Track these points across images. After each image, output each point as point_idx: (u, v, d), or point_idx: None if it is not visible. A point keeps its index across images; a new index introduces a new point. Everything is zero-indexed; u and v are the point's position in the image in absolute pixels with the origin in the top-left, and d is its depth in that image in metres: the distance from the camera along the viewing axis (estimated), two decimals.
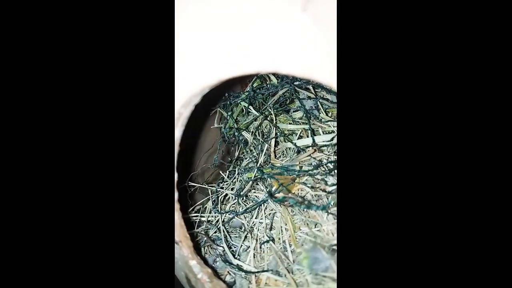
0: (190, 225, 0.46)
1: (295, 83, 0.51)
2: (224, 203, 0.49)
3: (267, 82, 0.54)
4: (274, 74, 0.54)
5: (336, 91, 0.54)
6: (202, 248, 0.42)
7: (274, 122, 0.50)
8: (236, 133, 0.52)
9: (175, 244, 0.33)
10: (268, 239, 0.41)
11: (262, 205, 0.45)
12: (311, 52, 0.20)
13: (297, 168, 0.44)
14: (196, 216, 0.46)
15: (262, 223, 0.44)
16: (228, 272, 0.38)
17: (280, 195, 0.43)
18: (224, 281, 0.34)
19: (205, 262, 0.34)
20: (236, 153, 0.55)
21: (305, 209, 0.40)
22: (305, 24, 0.19)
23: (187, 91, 0.24)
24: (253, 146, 0.54)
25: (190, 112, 0.27)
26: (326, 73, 0.20)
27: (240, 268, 0.38)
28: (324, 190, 0.41)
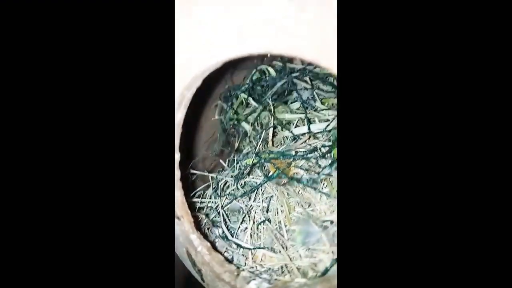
0: (192, 209, 0.48)
1: (293, 74, 0.54)
2: (224, 189, 0.52)
3: (266, 75, 0.57)
4: (272, 67, 0.57)
5: (328, 73, 0.56)
6: (202, 230, 0.45)
7: (273, 112, 0.52)
8: (236, 124, 0.54)
9: (177, 219, 0.36)
10: (264, 219, 0.44)
11: (260, 188, 0.48)
12: (301, 32, 0.22)
13: (293, 153, 0.46)
14: (197, 201, 0.49)
15: (259, 206, 0.47)
16: (226, 249, 0.41)
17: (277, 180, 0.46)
18: (223, 255, 0.36)
19: (205, 237, 0.36)
20: (236, 144, 0.57)
21: (296, 184, 0.42)
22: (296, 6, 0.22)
23: (188, 73, 0.27)
24: (253, 137, 0.56)
25: (192, 95, 0.30)
26: (314, 51, 0.22)
27: (237, 244, 0.40)
28: (317, 173, 0.43)
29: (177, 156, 0.34)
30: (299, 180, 0.42)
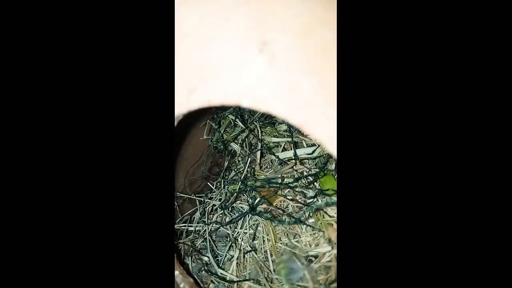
0: (178, 235, 0.48)
1: None
2: (212, 213, 0.52)
3: None
4: None
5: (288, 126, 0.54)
6: (189, 258, 0.45)
7: (260, 135, 0.52)
8: (222, 146, 0.54)
9: None
10: (250, 249, 0.43)
11: (246, 216, 0.47)
12: (269, 89, 0.22)
13: (279, 180, 0.46)
14: (184, 226, 0.49)
15: (246, 233, 0.46)
16: (211, 281, 0.41)
17: (264, 208, 0.45)
18: None
19: (188, 272, 0.36)
20: (226, 164, 0.57)
21: (277, 224, 0.42)
22: (262, 64, 0.22)
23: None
24: (241, 157, 0.56)
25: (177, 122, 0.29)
26: (281, 108, 0.22)
27: (223, 279, 0.40)
28: (303, 203, 0.43)
29: None
30: (280, 221, 0.41)
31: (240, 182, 0.47)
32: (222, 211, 0.49)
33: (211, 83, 0.24)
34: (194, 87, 0.25)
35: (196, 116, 0.52)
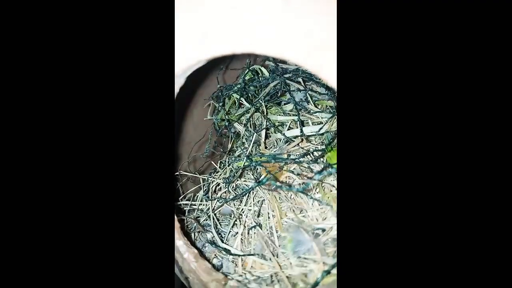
0: (181, 213, 0.47)
1: (285, 75, 0.53)
2: (216, 192, 0.51)
3: (259, 75, 0.55)
4: (265, 67, 0.55)
5: (316, 77, 0.54)
6: (192, 234, 0.44)
7: (265, 113, 0.51)
8: (227, 125, 0.53)
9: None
10: (255, 224, 0.42)
11: (251, 192, 0.47)
12: (285, 33, 0.21)
13: (285, 156, 0.45)
14: (187, 204, 0.48)
15: (250, 210, 0.46)
16: (215, 255, 0.40)
17: (268, 184, 0.44)
18: (210, 262, 0.35)
19: (192, 243, 0.35)
20: (229, 145, 0.56)
21: (287, 190, 0.41)
22: (279, 5, 0.21)
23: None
24: (245, 138, 0.55)
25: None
26: (300, 55, 0.21)
27: (227, 251, 0.39)
28: (310, 178, 0.42)
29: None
30: (290, 186, 0.41)
31: (245, 158, 0.46)
32: (226, 189, 0.48)
33: (222, 31, 0.23)
34: (205, 34, 0.24)
35: (206, 73, 0.50)
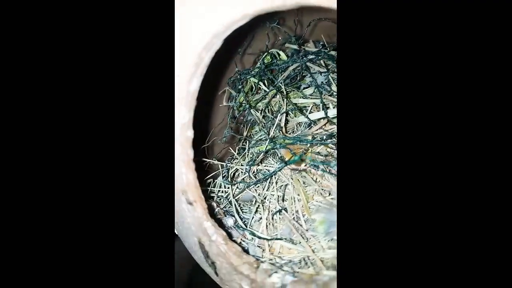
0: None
1: (306, 58, 0.51)
2: (235, 179, 0.49)
3: (277, 59, 0.54)
4: (283, 50, 0.54)
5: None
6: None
7: (286, 95, 0.49)
8: (246, 109, 0.51)
9: (189, 205, 0.32)
10: (280, 208, 0.40)
11: (273, 177, 0.45)
12: None
13: (310, 138, 0.43)
14: (206, 190, 0.46)
15: (273, 195, 0.44)
16: (241, 240, 0.38)
17: (293, 168, 0.42)
18: (240, 244, 0.33)
19: (220, 225, 0.33)
20: (245, 133, 0.54)
21: (314, 172, 0.39)
22: None
23: (208, 30, 0.23)
24: (263, 124, 0.53)
25: (210, 60, 0.26)
26: None
27: (254, 234, 0.37)
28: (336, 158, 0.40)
29: (191, 133, 0.30)
30: (316, 166, 0.39)
31: (268, 141, 0.44)
32: (246, 174, 0.46)
33: None
34: None
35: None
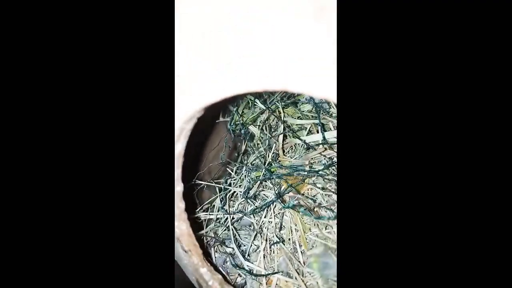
0: (199, 224, 0.45)
1: None
2: (233, 199, 0.49)
3: None
4: None
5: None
6: (212, 248, 0.42)
7: (282, 117, 0.48)
8: (242, 129, 0.50)
9: (184, 253, 0.33)
10: (278, 240, 0.41)
11: (271, 204, 0.45)
12: (322, 67, 0.17)
13: (307, 168, 0.42)
14: (205, 215, 0.46)
15: (271, 222, 0.44)
16: (239, 274, 0.39)
17: (290, 196, 0.42)
18: (235, 286, 0.34)
19: (215, 268, 0.34)
20: (243, 147, 0.53)
21: (315, 219, 0.39)
22: (318, 36, 0.17)
23: (189, 108, 0.22)
24: (260, 141, 0.52)
25: (193, 125, 0.25)
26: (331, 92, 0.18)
27: (250, 272, 0.38)
28: (334, 191, 0.39)
29: (180, 188, 0.30)
30: (320, 217, 0.38)
31: (263, 169, 0.43)
32: (244, 200, 0.46)
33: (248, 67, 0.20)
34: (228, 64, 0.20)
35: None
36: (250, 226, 0.46)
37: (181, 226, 0.31)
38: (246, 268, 0.38)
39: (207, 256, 0.34)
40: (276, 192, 0.41)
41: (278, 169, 0.43)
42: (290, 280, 0.37)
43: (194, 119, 0.24)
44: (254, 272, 0.38)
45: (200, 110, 0.23)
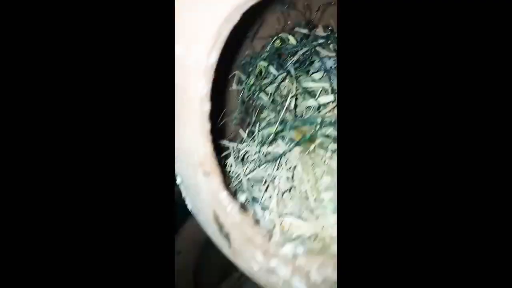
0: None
1: (315, 42, 0.52)
2: (245, 160, 0.49)
3: (287, 43, 0.54)
4: (293, 35, 0.54)
5: None
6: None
7: (295, 80, 0.50)
8: (255, 93, 0.52)
9: (206, 177, 0.33)
10: (289, 187, 0.41)
11: (283, 158, 0.46)
12: None
13: (319, 120, 0.44)
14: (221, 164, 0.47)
15: (282, 176, 0.44)
16: (253, 213, 0.38)
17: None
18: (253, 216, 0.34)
19: (234, 195, 0.34)
20: (254, 117, 0.55)
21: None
22: None
23: (228, 3, 0.24)
24: (272, 108, 0.54)
25: (229, 33, 0.27)
26: None
27: (265, 208, 0.38)
28: None
29: (208, 106, 0.31)
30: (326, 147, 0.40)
31: (277, 123, 0.45)
32: (257, 155, 0.47)
33: None
34: None
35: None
36: (262, 181, 0.46)
37: (206, 146, 0.32)
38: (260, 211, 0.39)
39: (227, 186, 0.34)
40: (290, 139, 0.43)
41: (292, 119, 0.44)
42: (304, 223, 0.37)
43: (232, 22, 0.26)
44: (268, 216, 0.39)
45: (238, 7, 0.24)
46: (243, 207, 0.35)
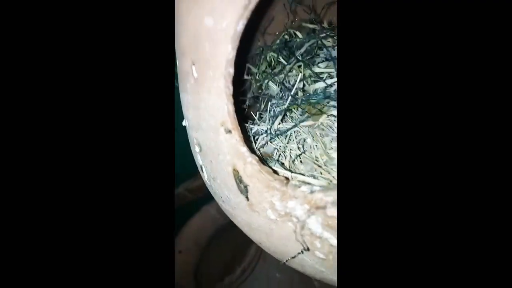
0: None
1: (322, 35, 0.58)
2: (256, 141, 0.54)
3: (294, 38, 0.60)
4: (300, 30, 0.61)
5: None
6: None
7: (303, 65, 0.56)
8: (265, 82, 0.57)
9: (228, 134, 0.37)
10: (300, 152, 0.45)
11: (293, 133, 0.50)
12: None
13: (328, 94, 0.49)
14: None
15: (293, 148, 0.49)
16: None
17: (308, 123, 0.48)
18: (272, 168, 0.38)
19: (253, 151, 0.38)
20: (263, 106, 0.60)
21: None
22: None
23: None
24: (281, 96, 0.59)
25: (256, 3, 0.32)
26: None
27: (281, 164, 0.42)
28: None
29: (232, 70, 0.36)
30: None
31: (289, 99, 0.50)
32: (269, 131, 0.51)
33: None
34: None
35: None
36: (273, 154, 0.50)
37: (229, 106, 0.37)
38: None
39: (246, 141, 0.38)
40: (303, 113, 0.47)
41: (303, 97, 0.49)
42: (316, 181, 0.41)
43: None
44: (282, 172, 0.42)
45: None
46: (261, 160, 0.39)
